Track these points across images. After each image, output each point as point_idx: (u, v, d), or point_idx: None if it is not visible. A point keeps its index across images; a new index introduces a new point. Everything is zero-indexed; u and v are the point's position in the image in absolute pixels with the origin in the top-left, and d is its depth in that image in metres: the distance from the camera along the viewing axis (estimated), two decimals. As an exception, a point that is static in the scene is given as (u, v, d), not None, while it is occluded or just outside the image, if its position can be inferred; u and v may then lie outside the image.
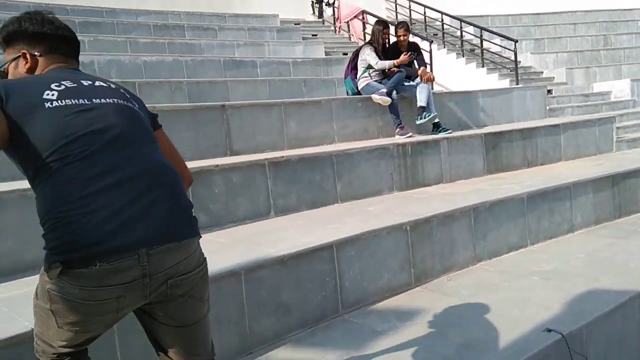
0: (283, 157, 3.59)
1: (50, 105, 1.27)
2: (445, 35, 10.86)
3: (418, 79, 5.05)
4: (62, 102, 1.28)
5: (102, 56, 6.33)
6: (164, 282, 1.30)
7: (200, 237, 1.44)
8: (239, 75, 6.94)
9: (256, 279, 2.43)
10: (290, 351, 2.41)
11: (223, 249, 2.69)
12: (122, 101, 1.41)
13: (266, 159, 3.49)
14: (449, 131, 4.88)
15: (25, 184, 2.61)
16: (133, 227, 1.23)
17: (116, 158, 1.28)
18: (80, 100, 1.32)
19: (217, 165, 3.24)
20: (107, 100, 1.37)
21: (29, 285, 2.25)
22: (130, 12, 9.19)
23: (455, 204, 3.47)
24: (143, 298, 1.29)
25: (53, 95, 1.29)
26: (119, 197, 1.24)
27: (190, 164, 3.30)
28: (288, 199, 3.55)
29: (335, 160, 3.84)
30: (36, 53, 1.41)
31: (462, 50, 10.49)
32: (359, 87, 5.20)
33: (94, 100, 1.34)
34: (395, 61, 5.02)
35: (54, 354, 1.36)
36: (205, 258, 1.45)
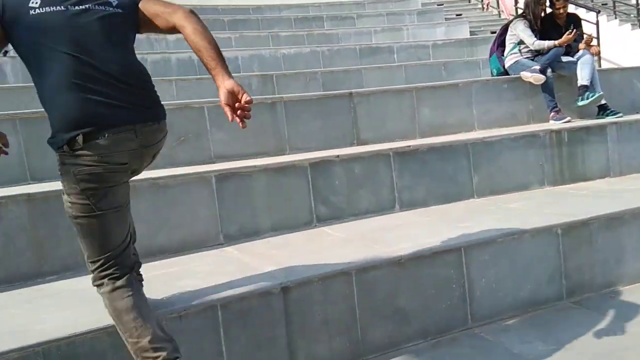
0: (410, 146, 3.28)
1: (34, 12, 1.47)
2: (616, 3, 9.26)
3: (579, 53, 4.27)
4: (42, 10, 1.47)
5: (245, 51, 6.61)
6: (150, 155, 1.65)
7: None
8: (375, 63, 6.70)
9: (369, 280, 2.20)
10: (407, 363, 2.14)
11: (337, 245, 2.52)
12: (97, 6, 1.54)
13: (391, 148, 3.22)
14: (619, 115, 4.05)
15: (156, 173, 2.77)
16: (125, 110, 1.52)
17: (99, 59, 1.50)
18: (57, 7, 1.49)
19: (338, 156, 3.07)
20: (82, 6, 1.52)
21: (161, 268, 2.36)
22: (274, 7, 9.52)
23: (624, 204, 2.82)
24: (139, 168, 1.67)
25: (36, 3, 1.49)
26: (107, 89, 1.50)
27: (313, 155, 3.23)
28: (415, 192, 3.24)
29: (471, 150, 3.41)
30: None
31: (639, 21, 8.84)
32: (506, 66, 4.57)
33: (69, 7, 1.50)
34: (556, 42, 4.26)
35: (105, 262, 1.56)
36: None
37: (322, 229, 2.88)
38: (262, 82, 5.47)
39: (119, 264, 1.57)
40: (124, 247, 1.59)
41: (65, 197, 1.56)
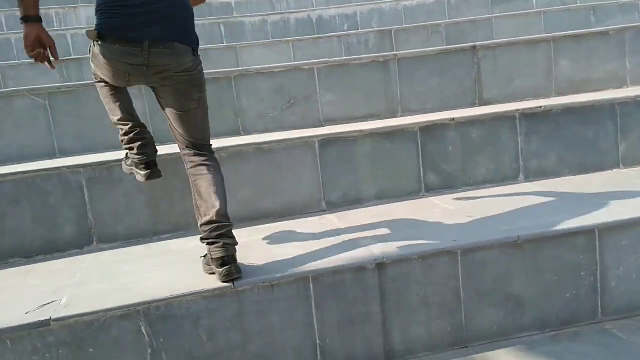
0: (542, 107, 2.85)
1: None
2: None
3: None
4: None
5: (364, 6, 6.34)
6: (157, 72, 1.78)
7: (196, 53, 1.86)
8: (509, 10, 5.99)
9: (477, 261, 1.97)
10: (519, 355, 1.90)
11: (445, 219, 2.29)
12: None
13: (517, 109, 2.83)
14: None
15: (262, 137, 2.77)
16: (143, 29, 1.73)
17: None
18: None
19: (453, 119, 2.78)
20: None
21: (261, 233, 2.39)
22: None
23: None
24: (144, 80, 1.83)
25: None
26: (140, 10, 1.73)
27: (425, 118, 2.97)
28: (544, 160, 2.83)
29: (619, 111, 2.86)
30: None
31: None
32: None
33: None
34: None
35: (118, 120, 1.99)
36: (198, 69, 1.87)
37: (430, 200, 2.66)
38: (380, 37, 5.21)
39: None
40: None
41: (92, 66, 1.92)
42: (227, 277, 1.74)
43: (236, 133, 3.22)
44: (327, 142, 2.64)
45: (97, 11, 1.77)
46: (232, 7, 6.71)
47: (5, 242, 2.30)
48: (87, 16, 6.33)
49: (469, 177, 2.79)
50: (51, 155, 2.98)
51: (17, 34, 5.36)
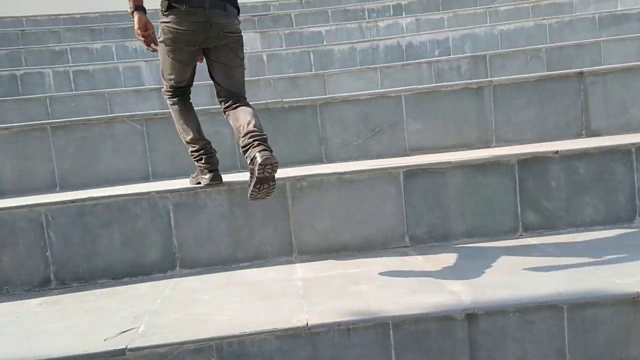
0: (664, 140, 2.49)
1: None
2: None
3: None
4: None
5: (457, 32, 6.13)
6: (216, 31, 2.24)
7: (239, 19, 2.35)
8: (618, 34, 5.47)
9: (587, 319, 1.70)
10: None
11: (547, 265, 2.03)
12: None
13: (633, 143, 2.50)
14: None
15: (343, 166, 2.68)
16: None
17: None
18: None
19: (557, 152, 2.51)
20: None
21: (339, 267, 2.28)
22: (496, -20, 8.65)
23: None
24: (207, 38, 2.25)
25: None
26: None
27: (524, 149, 2.72)
28: (668, 202, 2.46)
29: None
30: None
31: None
32: None
33: None
34: None
35: (170, 87, 2.42)
36: (241, 33, 2.36)
37: (528, 241, 2.40)
38: (473, 63, 4.98)
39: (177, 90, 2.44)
40: (183, 85, 2.42)
41: (162, 39, 2.29)
42: (262, 174, 2.07)
43: (319, 161, 3.17)
44: (412, 173, 2.49)
45: None
46: (322, 35, 6.81)
47: (96, 263, 2.39)
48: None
49: (574, 217, 2.49)
50: (145, 179, 3.11)
51: (124, 63, 5.81)
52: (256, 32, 6.80)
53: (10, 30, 7.27)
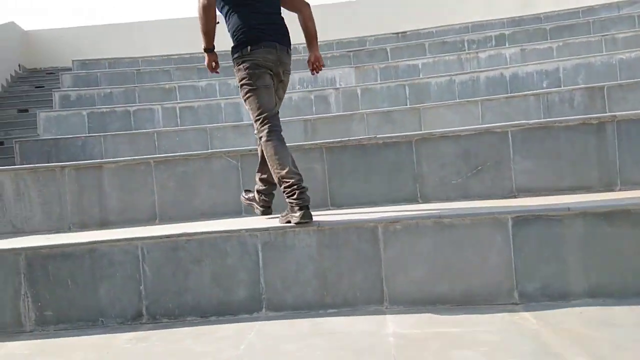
0: None
1: None
2: None
3: None
4: None
5: (569, 61, 5.65)
6: (281, 67, 2.62)
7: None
8: None
9: None
10: None
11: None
12: None
13: None
14: None
15: (440, 206, 2.46)
16: (272, 38, 2.57)
17: (262, 5, 2.60)
18: None
19: None
20: None
21: (437, 325, 2.04)
22: (612, 5, 7.99)
23: None
24: (275, 73, 2.60)
25: None
26: (268, 24, 2.59)
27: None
28: None
29: None
30: None
31: None
32: None
33: None
34: None
35: (264, 118, 2.55)
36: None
37: None
38: (588, 96, 4.52)
39: (271, 123, 2.56)
40: (274, 112, 2.59)
41: (239, 79, 2.61)
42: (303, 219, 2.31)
43: (414, 200, 2.98)
44: (523, 219, 2.21)
45: (235, 33, 2.59)
46: (419, 68, 6.65)
47: (185, 299, 2.38)
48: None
49: None
50: (238, 213, 3.12)
51: (226, 100, 6.08)
52: (351, 67, 6.82)
53: (128, 70, 8.00)
